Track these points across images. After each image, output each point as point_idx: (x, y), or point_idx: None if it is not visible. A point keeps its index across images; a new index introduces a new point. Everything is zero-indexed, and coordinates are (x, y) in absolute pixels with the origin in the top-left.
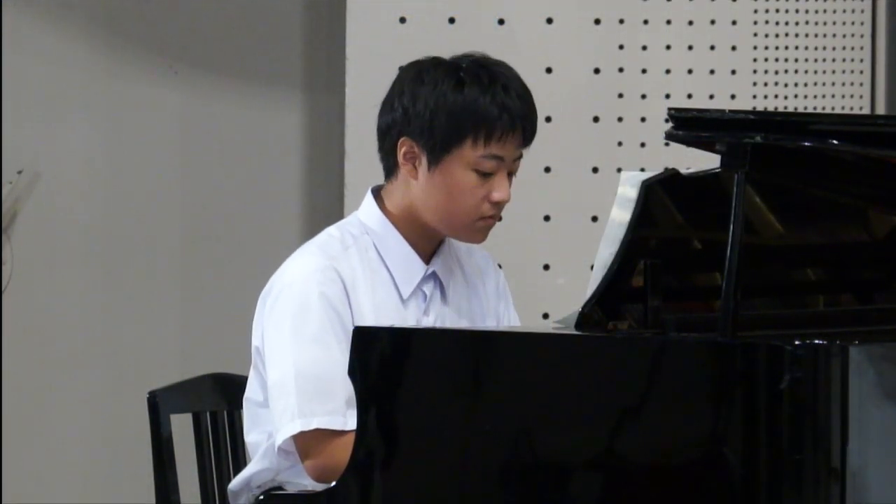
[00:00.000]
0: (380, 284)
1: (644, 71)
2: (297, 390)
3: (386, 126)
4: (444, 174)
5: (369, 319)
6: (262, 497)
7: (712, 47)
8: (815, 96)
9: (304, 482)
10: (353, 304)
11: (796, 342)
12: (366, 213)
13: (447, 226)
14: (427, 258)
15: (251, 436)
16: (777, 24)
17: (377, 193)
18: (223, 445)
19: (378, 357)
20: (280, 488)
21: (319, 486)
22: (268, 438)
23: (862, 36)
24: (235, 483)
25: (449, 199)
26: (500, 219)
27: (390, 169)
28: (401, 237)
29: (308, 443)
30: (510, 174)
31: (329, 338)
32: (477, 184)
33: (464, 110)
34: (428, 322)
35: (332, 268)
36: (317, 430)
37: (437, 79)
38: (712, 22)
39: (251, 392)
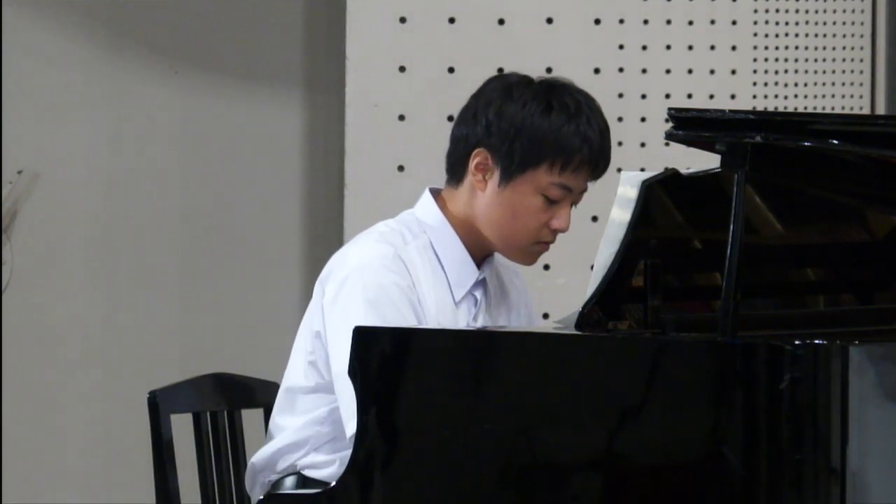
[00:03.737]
0: (438, 283)
1: (644, 71)
2: None
3: (463, 135)
4: (513, 193)
5: (431, 316)
6: (262, 497)
7: (712, 47)
8: (815, 96)
9: (334, 456)
10: (420, 298)
11: (796, 342)
12: (424, 210)
13: (502, 243)
14: (478, 264)
15: (283, 419)
16: (777, 24)
17: (436, 194)
18: (223, 445)
19: (378, 357)
20: (299, 473)
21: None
22: (301, 418)
23: (862, 36)
24: (259, 458)
25: (512, 217)
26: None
27: (458, 176)
28: (458, 239)
29: None
30: (573, 204)
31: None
32: (541, 209)
33: (546, 136)
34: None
35: (398, 258)
36: None
37: (527, 99)
38: (712, 22)
39: (297, 379)
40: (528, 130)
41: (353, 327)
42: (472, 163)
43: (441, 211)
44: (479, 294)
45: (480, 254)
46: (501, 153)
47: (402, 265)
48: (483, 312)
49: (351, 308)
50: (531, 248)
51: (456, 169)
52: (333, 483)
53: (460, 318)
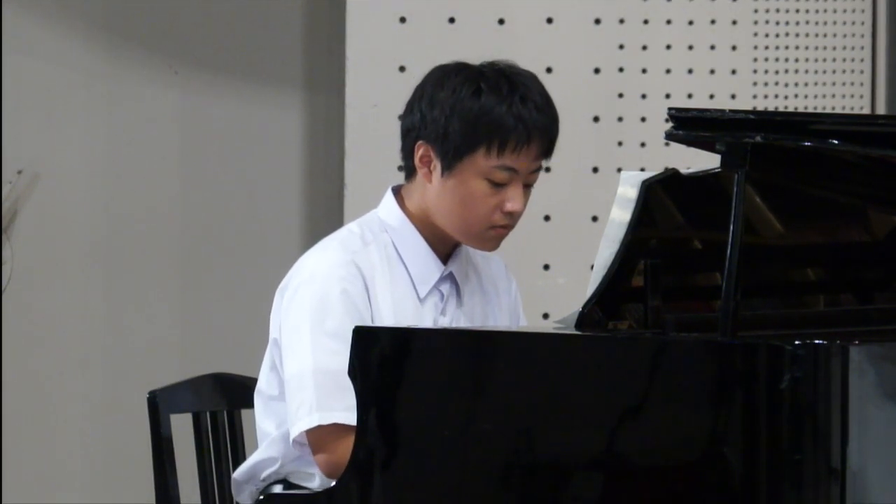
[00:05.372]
0: (398, 282)
1: (644, 71)
2: (316, 384)
3: (406, 129)
4: (457, 181)
5: (387, 317)
6: (262, 497)
7: (712, 47)
8: (815, 96)
9: (312, 470)
10: (372, 301)
11: (796, 342)
12: (385, 210)
13: (458, 232)
14: (444, 259)
15: (264, 424)
16: (777, 24)
17: (397, 192)
18: (223, 445)
19: (378, 357)
20: (285, 480)
21: (326, 480)
22: (276, 428)
23: (862, 36)
24: (240, 472)
25: (461, 205)
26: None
27: (409, 170)
28: (419, 236)
29: (323, 437)
30: (527, 185)
31: (350, 335)
32: (489, 193)
33: (478, 118)
34: (444, 323)
35: (352, 263)
36: (333, 425)
37: (456, 85)
38: (712, 22)
39: (264, 385)
40: (459, 116)
41: (299, 335)
42: (416, 156)
43: (401, 208)
44: (445, 289)
45: (445, 248)
46: (438, 143)
47: (355, 271)
48: (451, 306)
49: (300, 315)
50: (487, 234)
51: (407, 164)
52: (333, 482)
53: (425, 315)
